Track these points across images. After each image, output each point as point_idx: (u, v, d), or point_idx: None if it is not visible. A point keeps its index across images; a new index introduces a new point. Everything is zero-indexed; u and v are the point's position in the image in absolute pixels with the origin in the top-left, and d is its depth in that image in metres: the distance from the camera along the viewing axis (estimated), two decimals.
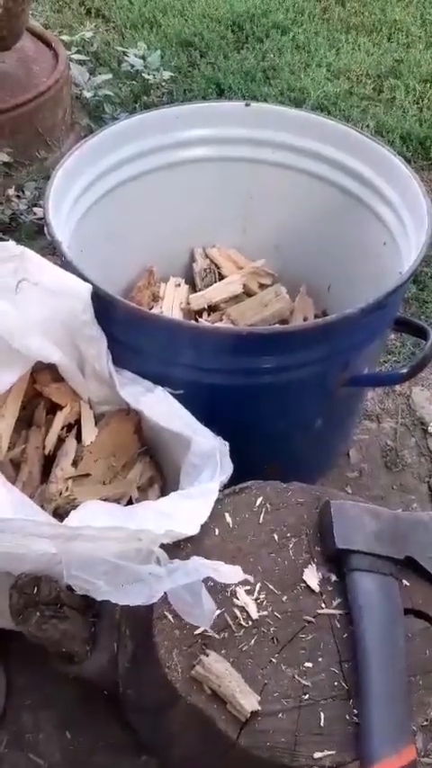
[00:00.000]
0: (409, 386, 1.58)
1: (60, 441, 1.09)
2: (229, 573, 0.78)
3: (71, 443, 1.09)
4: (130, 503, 1.06)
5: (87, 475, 1.05)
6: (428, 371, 1.60)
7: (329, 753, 0.75)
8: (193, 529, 0.88)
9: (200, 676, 0.78)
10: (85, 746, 1.05)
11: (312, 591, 0.86)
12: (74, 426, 1.11)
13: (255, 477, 0.97)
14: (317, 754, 0.75)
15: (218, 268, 1.47)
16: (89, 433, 1.09)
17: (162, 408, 1.04)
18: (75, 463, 1.07)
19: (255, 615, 0.84)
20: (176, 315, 1.38)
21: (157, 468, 1.15)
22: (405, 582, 0.87)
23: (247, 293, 1.44)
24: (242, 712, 0.76)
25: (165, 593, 0.78)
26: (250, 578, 0.85)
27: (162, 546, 0.84)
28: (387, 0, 2.70)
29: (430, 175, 2.06)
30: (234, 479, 0.97)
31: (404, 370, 1.08)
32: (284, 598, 0.86)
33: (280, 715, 0.77)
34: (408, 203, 1.18)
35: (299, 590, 0.86)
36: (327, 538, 0.89)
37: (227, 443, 0.99)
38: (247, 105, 1.34)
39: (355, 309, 0.98)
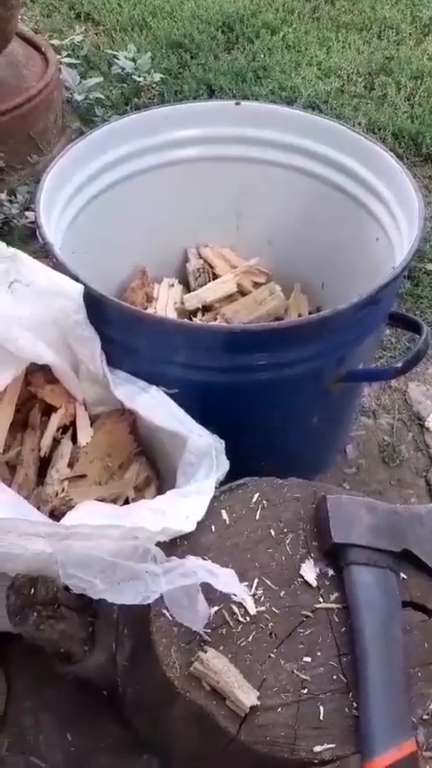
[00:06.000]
0: (405, 381, 1.58)
1: (56, 442, 1.09)
2: (227, 581, 0.78)
3: (66, 445, 1.09)
4: (126, 503, 1.06)
5: (83, 476, 1.05)
6: (423, 366, 1.61)
7: (329, 746, 0.75)
8: (189, 526, 0.88)
9: (198, 673, 0.78)
10: (87, 747, 1.05)
11: (310, 585, 0.86)
12: (69, 428, 1.11)
13: (252, 475, 0.97)
14: (317, 748, 0.75)
15: (211, 267, 1.47)
16: (84, 434, 1.09)
17: (157, 408, 1.04)
18: (70, 464, 1.07)
19: (253, 611, 0.83)
20: (171, 315, 1.38)
21: (153, 467, 1.15)
22: (403, 575, 0.87)
23: (242, 292, 1.44)
24: (241, 707, 0.76)
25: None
26: (248, 592, 0.85)
27: (158, 544, 0.84)
28: None
29: (423, 171, 2.07)
30: (231, 477, 0.97)
31: (398, 365, 1.08)
32: (282, 593, 0.86)
33: (279, 709, 0.77)
34: (399, 199, 1.18)
35: (296, 585, 0.86)
36: (323, 532, 0.89)
37: (222, 441, 0.99)
38: (237, 104, 1.34)
39: (348, 305, 0.98)
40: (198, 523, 0.88)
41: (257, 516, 0.92)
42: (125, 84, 2.19)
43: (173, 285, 1.45)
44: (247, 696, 0.76)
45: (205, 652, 0.79)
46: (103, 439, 1.09)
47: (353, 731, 0.77)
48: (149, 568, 0.79)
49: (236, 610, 0.84)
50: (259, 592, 0.85)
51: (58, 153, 1.20)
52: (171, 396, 1.04)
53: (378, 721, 0.76)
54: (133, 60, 2.20)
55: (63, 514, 0.94)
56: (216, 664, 0.78)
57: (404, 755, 0.75)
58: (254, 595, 0.85)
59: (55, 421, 1.10)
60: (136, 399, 1.04)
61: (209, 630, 0.82)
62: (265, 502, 0.94)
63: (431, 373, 1.61)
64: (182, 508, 0.89)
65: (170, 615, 0.82)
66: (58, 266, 1.02)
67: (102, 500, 1.01)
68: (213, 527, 0.90)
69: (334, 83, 2.32)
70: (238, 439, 0.99)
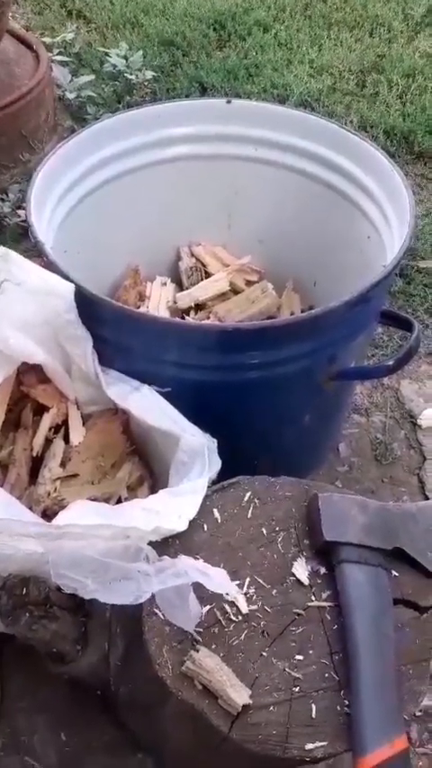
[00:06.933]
0: (397, 379, 1.59)
1: (48, 442, 1.09)
2: (219, 581, 0.78)
3: (59, 444, 1.08)
4: (119, 502, 1.05)
5: (76, 475, 1.05)
6: (415, 364, 1.61)
7: (321, 744, 0.76)
8: (181, 525, 0.88)
9: (190, 672, 0.78)
10: (81, 747, 1.05)
11: (302, 584, 0.86)
12: (61, 427, 1.11)
13: (244, 473, 0.97)
14: (309, 746, 0.75)
15: (204, 266, 1.47)
16: (77, 433, 1.09)
17: (150, 407, 1.04)
18: (63, 464, 1.06)
19: (245, 609, 0.84)
20: (163, 314, 1.38)
21: (146, 466, 1.14)
22: (394, 572, 0.88)
23: (234, 290, 1.44)
24: (233, 706, 0.76)
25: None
26: (240, 591, 0.85)
27: (150, 543, 0.84)
28: None
29: (414, 169, 2.07)
30: (224, 476, 0.97)
31: (390, 363, 1.08)
32: (274, 592, 0.86)
33: (271, 708, 0.77)
34: (390, 197, 1.18)
35: (288, 583, 0.87)
36: (315, 530, 0.89)
37: (215, 440, 0.99)
38: (228, 102, 1.34)
39: (340, 302, 0.98)
40: (190, 522, 0.88)
41: (249, 515, 0.92)
42: (117, 82, 2.19)
43: (165, 284, 1.45)
44: (240, 695, 0.76)
45: (197, 651, 0.79)
46: (96, 438, 1.09)
47: (345, 729, 0.77)
48: (141, 568, 0.79)
49: (228, 608, 0.84)
50: (251, 590, 0.86)
51: (49, 151, 1.20)
52: (164, 395, 1.04)
53: (370, 718, 0.77)
54: (125, 58, 2.19)
55: (55, 514, 0.94)
56: (208, 662, 0.78)
57: (396, 752, 0.75)
58: (246, 594, 0.85)
59: (47, 420, 1.09)
60: (128, 398, 1.04)
61: (201, 629, 0.82)
62: (257, 500, 0.94)
63: (423, 371, 1.61)
64: (174, 507, 0.89)
65: (162, 614, 0.82)
66: (50, 265, 1.02)
67: (94, 499, 1.00)
68: (205, 526, 0.91)
69: (326, 80, 2.31)
70: (230, 437, 0.99)
